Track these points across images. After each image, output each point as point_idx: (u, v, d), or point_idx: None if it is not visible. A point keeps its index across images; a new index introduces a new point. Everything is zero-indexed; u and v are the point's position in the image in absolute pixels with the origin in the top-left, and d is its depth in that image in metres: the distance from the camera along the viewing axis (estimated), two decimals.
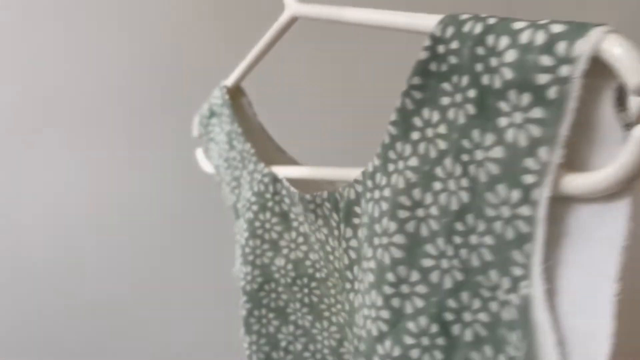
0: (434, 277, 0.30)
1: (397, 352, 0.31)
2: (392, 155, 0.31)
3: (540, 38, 0.22)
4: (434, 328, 0.29)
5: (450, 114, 0.27)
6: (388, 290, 0.31)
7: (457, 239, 0.28)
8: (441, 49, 0.27)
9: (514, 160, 0.24)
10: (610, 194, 0.22)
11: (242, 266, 0.49)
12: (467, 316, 0.29)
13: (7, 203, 0.92)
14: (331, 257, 0.42)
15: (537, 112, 0.23)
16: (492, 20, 0.25)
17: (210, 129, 0.57)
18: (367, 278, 0.33)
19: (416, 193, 0.30)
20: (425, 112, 0.29)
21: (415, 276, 0.30)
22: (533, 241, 0.24)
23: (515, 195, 0.24)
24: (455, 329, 0.29)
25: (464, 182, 0.27)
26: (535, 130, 0.23)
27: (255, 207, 0.48)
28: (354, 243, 0.36)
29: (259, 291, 0.49)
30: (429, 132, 0.29)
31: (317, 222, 0.42)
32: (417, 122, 0.30)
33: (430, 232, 0.29)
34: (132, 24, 0.85)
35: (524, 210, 0.24)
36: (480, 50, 0.25)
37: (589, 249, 0.23)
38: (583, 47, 0.21)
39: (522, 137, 0.24)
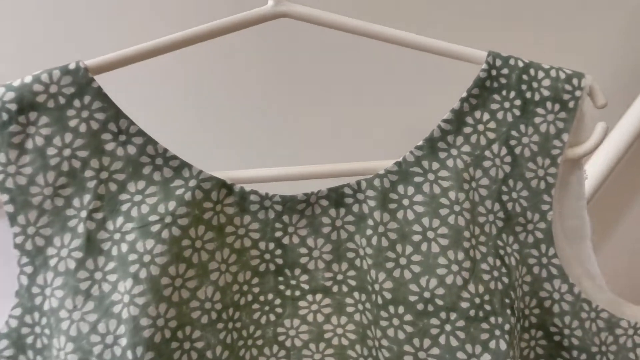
0: (487, 228, 0.42)
1: (481, 288, 0.40)
2: (441, 145, 0.41)
3: (562, 75, 0.42)
4: (498, 262, 0.41)
5: (499, 115, 0.42)
6: (466, 244, 0.40)
7: (505, 197, 0.42)
8: (494, 72, 0.42)
9: (547, 142, 0.42)
10: (578, 159, 0.44)
11: (150, 308, 0.37)
12: (508, 249, 0.42)
13: None
14: (303, 260, 0.42)
15: (562, 114, 0.42)
16: (526, 60, 0.42)
17: (18, 129, 0.37)
18: (436, 244, 0.40)
19: (471, 170, 0.41)
20: (477, 114, 0.42)
21: (477, 230, 0.41)
22: (555, 186, 0.43)
23: (547, 161, 0.42)
24: (506, 259, 0.42)
25: (507, 159, 0.42)
26: (561, 124, 0.42)
27: (184, 221, 0.38)
28: (392, 225, 0.40)
29: (171, 341, 0.38)
30: (480, 127, 0.42)
31: (298, 224, 0.41)
32: (470, 120, 0.42)
33: (479, 197, 0.42)
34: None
35: (552, 170, 0.42)
36: (525, 77, 0.42)
37: (569, 185, 0.44)
38: (587, 82, 0.42)
39: (553, 128, 0.42)
